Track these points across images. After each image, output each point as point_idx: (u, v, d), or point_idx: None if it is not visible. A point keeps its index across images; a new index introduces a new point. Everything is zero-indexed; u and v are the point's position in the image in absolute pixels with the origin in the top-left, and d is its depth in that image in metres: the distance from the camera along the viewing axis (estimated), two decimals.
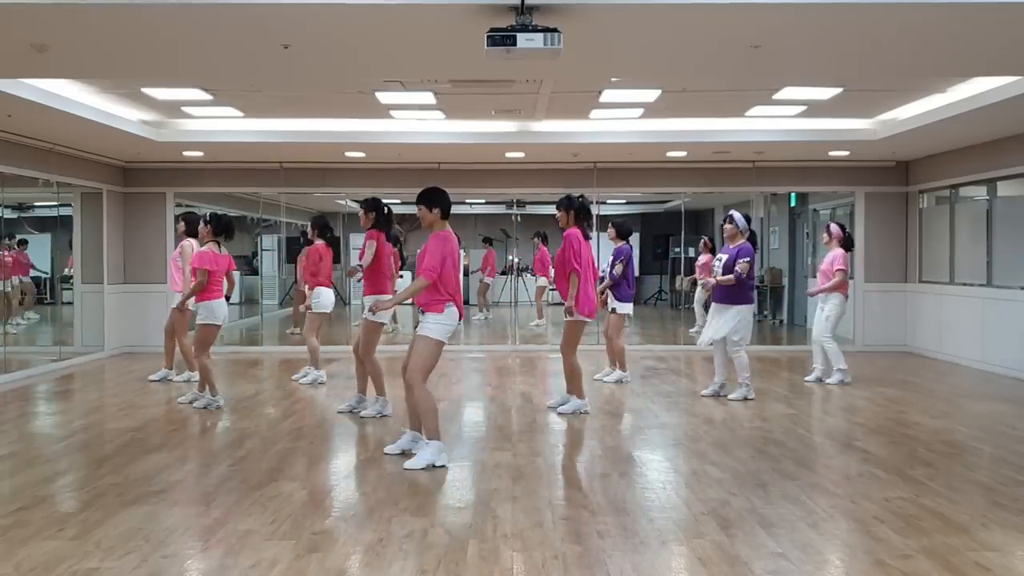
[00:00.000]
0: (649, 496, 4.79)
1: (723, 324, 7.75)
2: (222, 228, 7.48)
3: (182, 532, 4.14)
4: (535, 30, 4.57)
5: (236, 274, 8.05)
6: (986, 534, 4.11)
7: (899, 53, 5.89)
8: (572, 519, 4.36)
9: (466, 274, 16.59)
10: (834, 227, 8.87)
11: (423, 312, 5.41)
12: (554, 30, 4.58)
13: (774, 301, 15.57)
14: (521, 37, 4.55)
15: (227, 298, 7.58)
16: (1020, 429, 6.61)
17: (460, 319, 5.48)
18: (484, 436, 6.29)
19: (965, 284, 10.41)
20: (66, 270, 11.73)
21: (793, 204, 15.23)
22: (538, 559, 3.78)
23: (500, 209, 16.41)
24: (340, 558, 3.81)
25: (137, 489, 4.89)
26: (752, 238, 7.91)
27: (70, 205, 11.32)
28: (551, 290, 14.60)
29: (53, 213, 11.98)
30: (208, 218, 7.56)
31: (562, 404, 7.19)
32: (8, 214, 10.83)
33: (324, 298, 8.51)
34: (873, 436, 6.37)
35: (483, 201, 17.52)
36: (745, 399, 7.69)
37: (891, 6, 4.83)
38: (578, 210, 7.11)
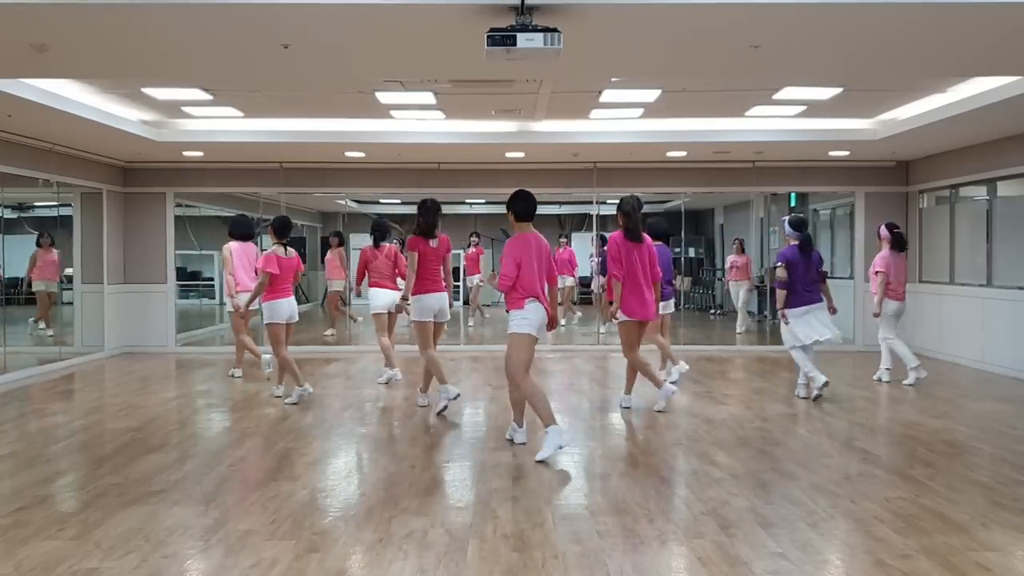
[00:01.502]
0: (649, 496, 4.79)
1: (830, 325, 7.75)
2: (280, 230, 7.75)
3: (182, 532, 4.14)
4: (535, 30, 4.57)
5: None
6: (986, 534, 4.11)
7: (899, 53, 5.89)
8: (572, 519, 4.36)
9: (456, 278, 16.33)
10: (882, 229, 8.80)
11: (509, 312, 5.82)
12: (554, 30, 4.58)
13: (774, 301, 15.59)
14: (521, 37, 4.55)
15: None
16: (1020, 429, 6.61)
17: (548, 313, 5.78)
18: (484, 436, 6.29)
19: (965, 284, 10.42)
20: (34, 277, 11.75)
21: (793, 204, 15.23)
22: (538, 559, 3.78)
23: (500, 209, 16.40)
24: (340, 558, 3.81)
25: (137, 489, 4.89)
26: (803, 241, 7.75)
27: (70, 205, 11.33)
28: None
29: (53, 213, 11.99)
30: (272, 223, 7.88)
31: (659, 403, 7.29)
32: (8, 214, 10.83)
33: (378, 299, 8.64)
34: (873, 436, 6.38)
35: (483, 201, 17.51)
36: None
37: (891, 6, 4.83)
38: (626, 214, 7.03)
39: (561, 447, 5.54)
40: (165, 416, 7.16)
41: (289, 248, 7.81)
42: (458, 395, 7.10)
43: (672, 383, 7.68)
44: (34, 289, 11.59)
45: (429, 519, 4.33)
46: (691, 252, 17.85)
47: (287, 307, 7.69)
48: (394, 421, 6.98)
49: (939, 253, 11.03)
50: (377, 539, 4.04)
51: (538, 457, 5.50)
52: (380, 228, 8.78)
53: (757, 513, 4.42)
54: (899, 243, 8.70)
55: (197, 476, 5.25)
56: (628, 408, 7.32)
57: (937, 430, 6.51)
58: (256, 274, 8.37)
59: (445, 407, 7.05)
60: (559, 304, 14.91)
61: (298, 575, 3.61)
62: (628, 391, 7.42)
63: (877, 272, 8.58)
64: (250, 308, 8.34)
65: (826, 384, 7.62)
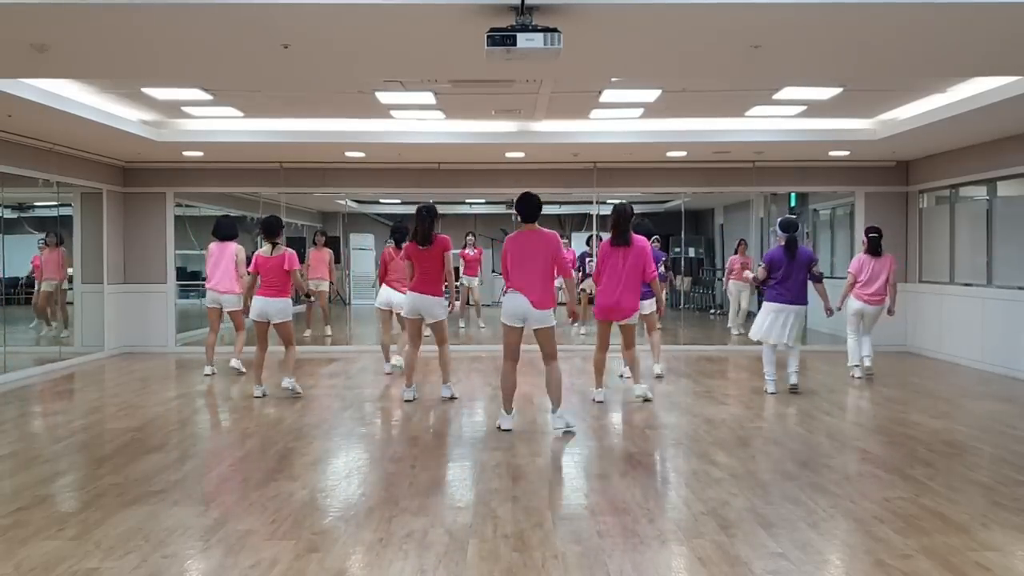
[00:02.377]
0: (649, 496, 4.79)
1: (791, 334, 8.05)
2: (265, 230, 7.99)
3: (182, 532, 4.14)
4: (535, 30, 4.56)
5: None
6: (986, 534, 4.11)
7: (899, 53, 5.89)
8: (572, 519, 4.36)
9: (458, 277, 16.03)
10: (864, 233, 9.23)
11: None
12: (554, 30, 4.58)
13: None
14: (521, 37, 4.55)
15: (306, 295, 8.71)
16: (1020, 429, 6.61)
17: (531, 304, 6.19)
18: (484, 436, 6.29)
19: (965, 284, 10.42)
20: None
21: (793, 204, 15.22)
22: (538, 559, 3.78)
23: (500, 209, 16.38)
24: (340, 558, 3.81)
25: (137, 489, 4.89)
26: (788, 242, 7.98)
27: (70, 205, 11.33)
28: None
29: (53, 213, 11.99)
30: (260, 222, 8.32)
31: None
32: (8, 214, 10.83)
33: (380, 297, 9.13)
34: (873, 436, 6.38)
35: (483, 201, 17.51)
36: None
37: (891, 6, 4.83)
38: (612, 219, 7.39)
39: (500, 428, 6.32)
40: (165, 416, 7.16)
41: (278, 246, 7.89)
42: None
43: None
44: (42, 289, 11.63)
45: (429, 519, 4.33)
46: (691, 252, 17.84)
47: (259, 305, 7.81)
48: (394, 421, 6.98)
49: (939, 253, 11.03)
50: (377, 539, 4.04)
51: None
52: (400, 231, 8.95)
53: (757, 513, 4.42)
54: (872, 248, 8.95)
55: (197, 476, 5.25)
56: (600, 401, 7.60)
57: (937, 430, 6.51)
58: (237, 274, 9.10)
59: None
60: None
61: (298, 575, 3.61)
62: (600, 385, 7.70)
63: (848, 272, 9.11)
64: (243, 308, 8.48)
65: (772, 393, 7.97)
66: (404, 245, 7.65)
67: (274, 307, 7.79)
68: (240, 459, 5.67)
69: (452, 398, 7.72)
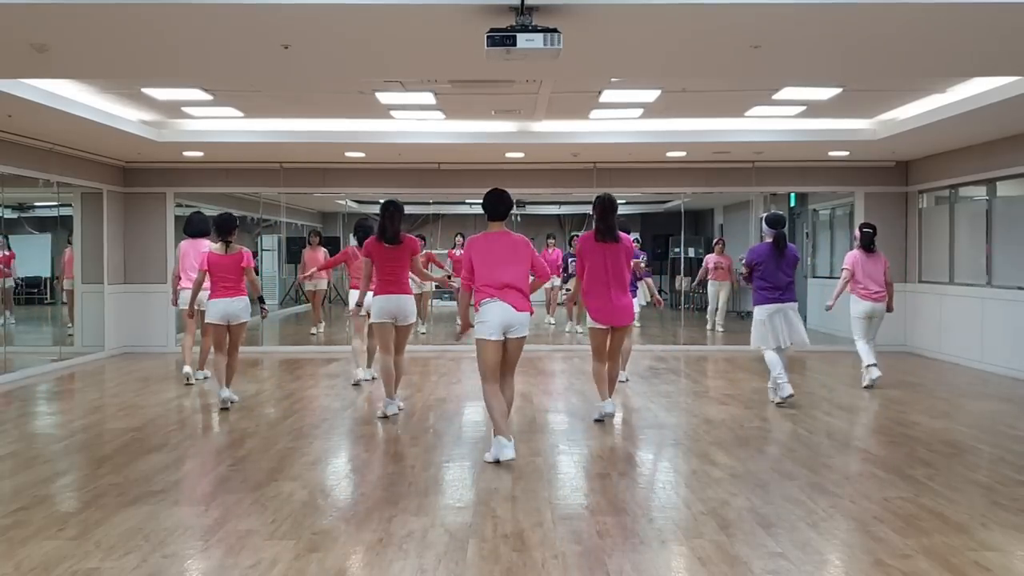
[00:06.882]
0: (649, 496, 4.79)
1: (798, 330, 7.63)
2: (219, 228, 7.55)
3: (182, 532, 4.14)
4: (535, 30, 4.57)
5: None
6: (986, 534, 4.11)
7: (899, 53, 5.89)
8: (572, 519, 4.36)
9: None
10: (856, 229, 9.02)
11: None
12: (554, 30, 4.58)
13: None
14: (521, 37, 4.55)
15: (259, 299, 7.78)
16: (1020, 429, 6.61)
17: (515, 310, 5.44)
18: (484, 436, 6.29)
19: (964, 284, 10.42)
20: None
21: (793, 204, 15.23)
22: (538, 559, 3.77)
23: None
24: (340, 558, 3.81)
25: (137, 489, 4.89)
26: (777, 239, 7.58)
27: (70, 205, 11.34)
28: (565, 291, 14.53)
29: (53, 213, 11.99)
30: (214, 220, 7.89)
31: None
32: (8, 214, 10.83)
33: (355, 299, 8.56)
34: (873, 436, 6.38)
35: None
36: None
37: (891, 6, 4.83)
38: (597, 211, 6.70)
39: (498, 461, 5.39)
40: (165, 416, 7.16)
41: (232, 244, 7.48)
42: (396, 413, 6.99)
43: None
44: (64, 288, 11.65)
45: (429, 519, 4.33)
46: (691, 252, 17.84)
47: (221, 307, 7.38)
48: (394, 421, 6.97)
49: (939, 253, 11.04)
50: (377, 539, 4.04)
51: (485, 458, 5.53)
52: (364, 229, 8.66)
53: (757, 513, 4.42)
54: (864, 242, 8.59)
55: (197, 476, 5.25)
56: (611, 413, 6.79)
57: (937, 430, 6.51)
58: None
59: (384, 416, 6.96)
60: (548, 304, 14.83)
61: (298, 575, 3.61)
62: (607, 396, 6.84)
63: (843, 269, 8.65)
64: (195, 307, 8.06)
65: (790, 397, 7.38)
66: (366, 242, 7.14)
67: (238, 307, 7.43)
68: (240, 459, 5.67)
69: (393, 415, 7.01)
